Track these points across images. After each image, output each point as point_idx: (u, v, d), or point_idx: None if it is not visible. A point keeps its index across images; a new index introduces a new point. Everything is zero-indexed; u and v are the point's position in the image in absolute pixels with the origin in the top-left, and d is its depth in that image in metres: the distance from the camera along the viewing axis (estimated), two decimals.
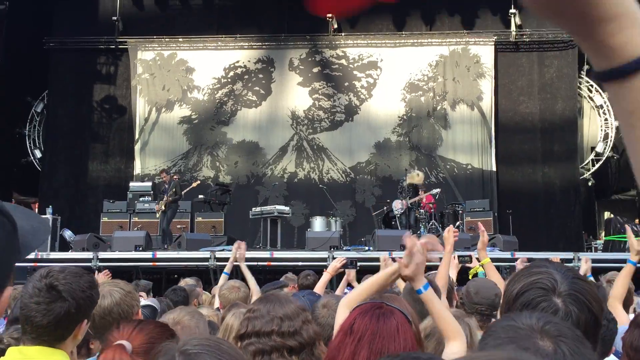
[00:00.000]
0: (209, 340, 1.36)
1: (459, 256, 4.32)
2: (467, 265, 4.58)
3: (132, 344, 1.65)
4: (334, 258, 8.55)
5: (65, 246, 12.34)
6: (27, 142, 17.36)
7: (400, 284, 3.52)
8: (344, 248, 11.22)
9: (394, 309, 1.83)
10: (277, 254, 10.87)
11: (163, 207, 12.03)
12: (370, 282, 2.41)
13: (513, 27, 15.97)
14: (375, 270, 6.59)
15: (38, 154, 17.26)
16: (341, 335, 1.79)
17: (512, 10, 15.76)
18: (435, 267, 3.87)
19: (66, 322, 1.90)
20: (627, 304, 3.70)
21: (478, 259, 4.13)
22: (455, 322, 2.34)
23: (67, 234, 12.46)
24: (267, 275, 10.00)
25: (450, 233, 3.65)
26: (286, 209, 13.08)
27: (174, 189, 12.09)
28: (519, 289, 1.51)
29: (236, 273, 10.51)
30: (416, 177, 12.41)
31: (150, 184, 14.94)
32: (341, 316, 2.22)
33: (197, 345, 1.31)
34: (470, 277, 4.16)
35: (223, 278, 4.99)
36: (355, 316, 1.81)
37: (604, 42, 0.54)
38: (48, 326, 1.87)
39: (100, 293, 2.39)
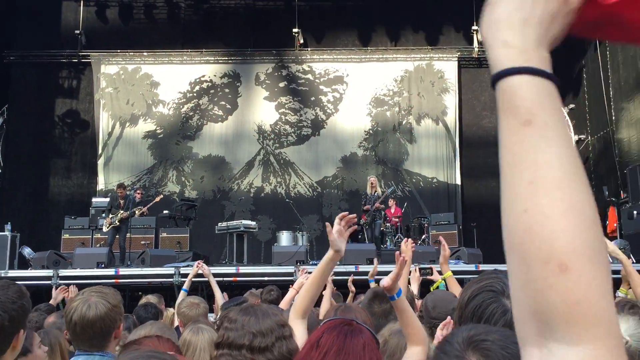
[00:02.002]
0: (150, 357, 1.32)
1: (420, 269, 4.34)
2: (429, 277, 4.61)
3: None
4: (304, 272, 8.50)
5: (24, 264, 12.00)
6: None
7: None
8: (311, 262, 11.16)
9: (362, 328, 1.83)
10: (243, 269, 10.76)
11: (117, 222, 11.76)
12: (310, 283, 2.42)
13: (475, 44, 16.29)
14: (342, 284, 6.57)
15: None
16: (307, 348, 1.78)
17: (475, 27, 16.07)
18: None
19: (2, 337, 1.85)
20: None
21: (440, 273, 4.15)
22: (422, 329, 2.39)
23: (27, 251, 12.11)
24: (233, 290, 9.88)
25: (407, 245, 3.68)
26: (252, 223, 12.99)
27: (132, 207, 11.87)
28: (470, 293, 1.58)
29: (200, 289, 10.39)
30: (370, 184, 12.45)
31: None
32: (297, 328, 2.20)
33: None
34: (432, 290, 4.18)
35: (182, 295, 4.95)
36: (323, 330, 1.81)
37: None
38: None
39: (87, 302, 2.34)
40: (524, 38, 0.71)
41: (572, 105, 16.71)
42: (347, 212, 2.58)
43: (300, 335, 2.19)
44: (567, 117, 16.75)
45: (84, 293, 2.46)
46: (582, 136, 16.50)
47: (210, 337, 2.56)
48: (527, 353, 0.62)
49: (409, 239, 3.85)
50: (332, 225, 2.50)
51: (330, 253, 2.45)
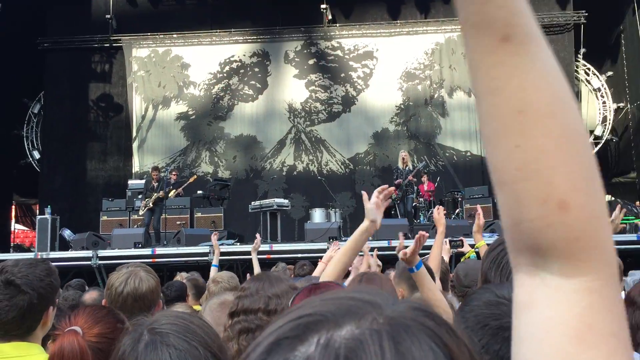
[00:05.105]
0: (178, 319, 1.34)
1: (450, 241, 4.30)
2: (460, 250, 4.56)
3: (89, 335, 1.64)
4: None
5: (65, 245, 12.34)
6: (26, 144, 17.36)
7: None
8: (343, 239, 11.19)
9: (329, 285, 1.82)
10: (276, 247, 10.86)
11: (151, 205, 11.95)
12: (342, 252, 2.41)
13: None
14: None
15: (36, 155, 17.26)
16: None
17: None
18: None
19: (31, 314, 1.90)
20: None
21: (471, 245, 4.11)
22: (443, 301, 2.38)
23: (67, 233, 12.45)
24: (267, 268, 9.99)
25: (440, 213, 3.63)
26: (285, 201, 13.03)
27: (166, 188, 12.04)
28: (492, 245, 1.66)
29: (235, 267, 10.53)
30: (401, 159, 12.33)
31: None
32: None
33: (166, 324, 1.30)
34: (462, 261, 4.14)
35: (213, 270, 5.04)
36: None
37: None
38: (14, 321, 1.87)
39: (138, 276, 2.40)
40: None
41: (610, 73, 16.20)
42: (386, 185, 2.53)
43: None
44: (605, 85, 16.27)
45: (128, 267, 2.49)
46: (622, 104, 16.03)
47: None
48: (518, 280, 0.60)
49: (440, 207, 3.81)
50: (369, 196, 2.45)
51: (365, 223, 2.39)
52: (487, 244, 3.77)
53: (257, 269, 5.54)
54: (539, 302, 0.57)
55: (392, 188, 2.51)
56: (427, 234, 2.43)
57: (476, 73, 0.58)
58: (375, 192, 2.44)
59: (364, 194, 2.46)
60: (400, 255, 2.42)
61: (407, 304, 0.52)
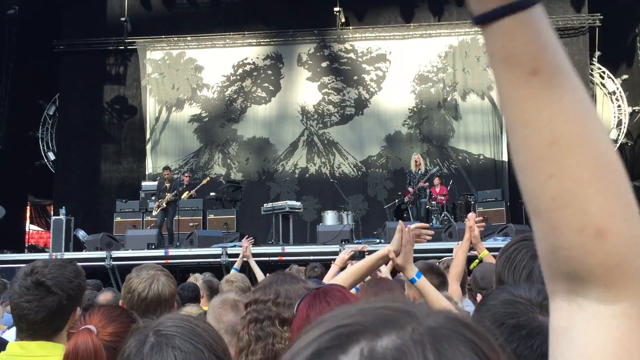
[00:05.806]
0: (183, 321, 1.35)
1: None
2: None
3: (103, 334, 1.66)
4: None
5: (79, 246, 12.45)
6: (41, 145, 17.52)
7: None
8: (355, 241, 11.19)
9: (334, 289, 1.83)
10: (289, 249, 10.90)
11: (164, 205, 12.03)
12: (357, 267, 2.42)
13: None
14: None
15: (52, 156, 17.41)
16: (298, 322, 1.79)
17: None
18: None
19: (60, 315, 1.92)
20: None
21: (474, 257, 4.10)
22: (451, 309, 2.37)
23: (81, 234, 12.57)
24: (279, 270, 10.03)
25: (471, 221, 3.62)
26: (297, 204, 13.07)
27: (178, 189, 12.13)
28: (507, 245, 1.65)
29: (247, 269, 10.54)
30: (414, 162, 12.32)
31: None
32: None
33: (171, 327, 1.31)
34: (471, 267, 4.13)
35: (232, 273, 5.07)
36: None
37: None
38: (43, 321, 1.89)
39: (160, 281, 2.40)
40: None
41: (625, 76, 16.06)
42: (427, 225, 2.51)
43: None
44: (621, 89, 16.15)
45: (148, 271, 2.47)
46: (637, 108, 15.89)
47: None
48: (555, 305, 0.60)
49: (473, 214, 3.80)
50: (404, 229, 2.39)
51: (385, 251, 2.39)
52: (496, 250, 3.74)
53: (258, 274, 5.51)
54: (577, 328, 0.57)
55: (430, 235, 2.49)
56: (412, 227, 2.38)
57: (507, 106, 0.58)
58: (413, 226, 2.43)
59: (401, 223, 2.45)
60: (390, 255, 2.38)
61: (444, 314, 0.52)
